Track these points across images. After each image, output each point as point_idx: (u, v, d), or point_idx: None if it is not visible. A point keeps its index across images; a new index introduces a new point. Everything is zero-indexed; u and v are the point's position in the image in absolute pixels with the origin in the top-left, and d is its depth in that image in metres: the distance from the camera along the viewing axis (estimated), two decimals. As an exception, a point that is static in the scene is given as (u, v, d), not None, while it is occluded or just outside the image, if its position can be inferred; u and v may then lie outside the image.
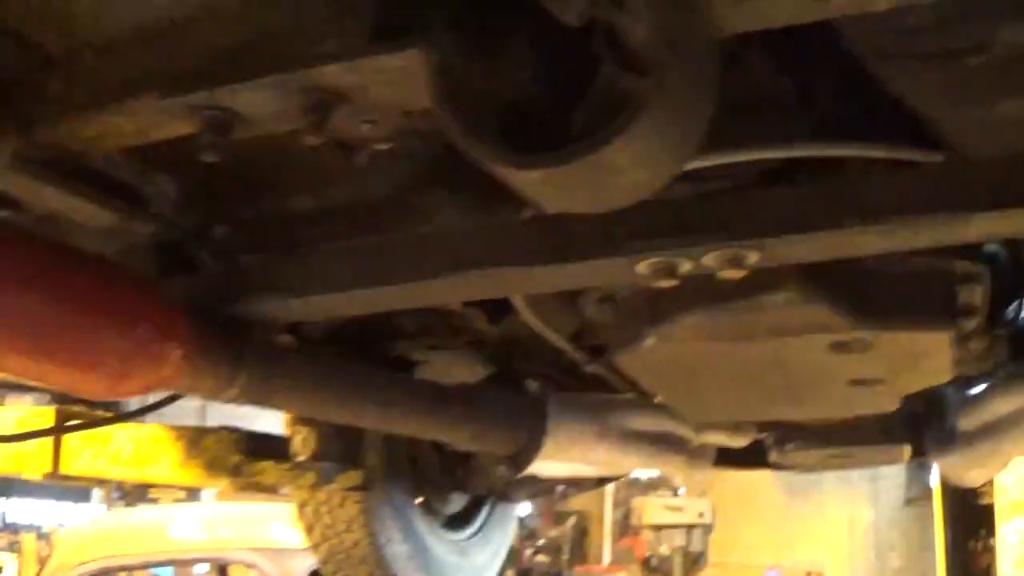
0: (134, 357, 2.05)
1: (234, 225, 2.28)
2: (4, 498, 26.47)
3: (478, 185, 2.07)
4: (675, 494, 16.37)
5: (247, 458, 2.96)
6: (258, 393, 2.33)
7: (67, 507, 23.86)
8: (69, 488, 22.73)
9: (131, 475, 3.28)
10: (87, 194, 2.05)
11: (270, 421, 3.28)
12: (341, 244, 2.21)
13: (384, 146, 1.77)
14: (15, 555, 15.53)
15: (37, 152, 1.90)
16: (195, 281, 2.27)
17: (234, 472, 2.95)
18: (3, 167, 1.81)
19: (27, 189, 1.96)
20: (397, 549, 3.74)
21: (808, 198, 1.81)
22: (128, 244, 2.26)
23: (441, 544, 4.02)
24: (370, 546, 3.69)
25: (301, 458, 3.30)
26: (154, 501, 13.69)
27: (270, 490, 3.28)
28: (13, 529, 23.04)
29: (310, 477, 2.98)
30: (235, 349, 2.23)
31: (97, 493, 20.80)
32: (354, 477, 2.98)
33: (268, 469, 2.96)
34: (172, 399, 2.49)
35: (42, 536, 15.80)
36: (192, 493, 14.72)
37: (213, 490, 13.78)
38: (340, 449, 3.34)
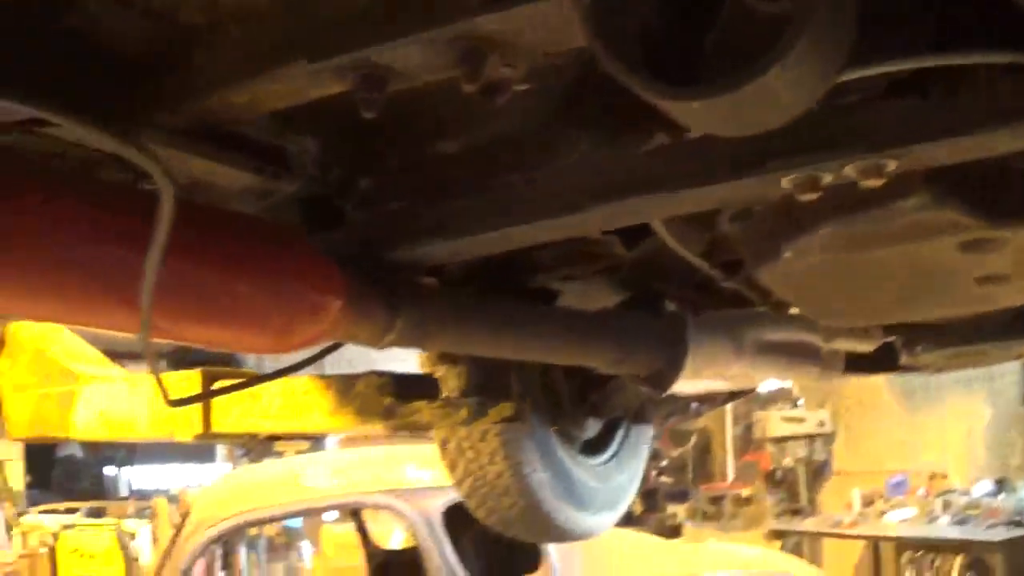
0: (297, 312, 2.12)
1: (378, 175, 2.33)
2: (128, 466, 26.99)
3: (613, 116, 2.13)
4: (795, 405, 16.37)
5: (398, 400, 3.01)
6: (414, 336, 2.40)
7: (191, 469, 24.24)
8: (191, 450, 23.09)
9: (283, 427, 3.34)
10: (230, 159, 2.11)
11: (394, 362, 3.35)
12: (485, 184, 2.27)
13: (523, 86, 1.82)
14: (146, 521, 15.73)
15: (181, 123, 1.96)
16: (343, 233, 2.33)
17: (387, 415, 2.99)
18: (148, 143, 1.86)
19: (172, 160, 2.00)
20: (540, 477, 3.80)
21: (940, 105, 1.85)
22: (271, 203, 2.33)
23: (581, 469, 4.08)
24: (513, 476, 3.75)
25: (451, 395, 3.38)
26: (279, 454, 13.83)
27: (424, 429, 3.33)
28: (140, 495, 23.44)
29: (463, 412, 3.02)
30: (390, 296, 2.29)
31: (221, 451, 21.07)
32: (506, 409, 3.02)
33: (421, 409, 3.00)
34: (333, 348, 2.57)
35: (171, 499, 16.01)
36: (316, 443, 14.89)
37: (336, 438, 13.95)
38: (487, 383, 3.41)
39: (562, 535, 4.15)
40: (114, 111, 1.82)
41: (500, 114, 2.11)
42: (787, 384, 15.62)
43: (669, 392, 3.17)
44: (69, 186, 1.85)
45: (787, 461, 16.22)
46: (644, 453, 4.59)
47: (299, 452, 13.16)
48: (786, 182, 1.92)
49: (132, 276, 1.77)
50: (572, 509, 4.01)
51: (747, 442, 17.26)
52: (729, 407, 16.34)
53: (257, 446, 15.80)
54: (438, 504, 7.38)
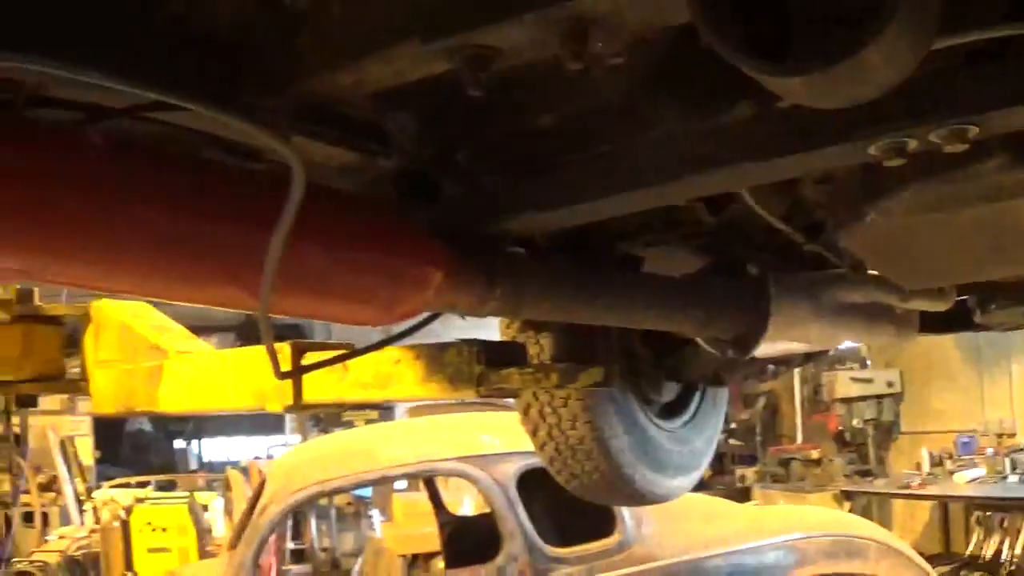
0: (401, 285, 2.20)
1: (475, 149, 2.38)
2: (196, 439, 27.20)
3: (699, 86, 2.19)
4: (863, 366, 16.30)
5: (488, 367, 3.07)
6: (511, 305, 2.47)
7: (259, 441, 24.39)
8: (260, 422, 23.26)
9: (374, 397, 3.40)
10: (330, 137, 2.17)
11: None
12: (579, 156, 2.32)
13: (617, 60, 1.87)
14: (215, 494, 15.86)
15: (284, 105, 2.02)
16: (440, 206, 2.38)
17: (479, 381, 3.06)
18: (250, 124, 1.90)
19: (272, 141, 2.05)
20: (620, 441, 3.86)
21: (1018, 71, 1.90)
22: (368, 179, 2.38)
23: (660, 433, 4.12)
24: (594, 441, 3.81)
25: (540, 362, 3.44)
26: (349, 424, 13.93)
27: (514, 395, 3.39)
28: (209, 468, 23.63)
29: (554, 378, 3.08)
30: (488, 266, 2.37)
31: (289, 423, 21.19)
32: (596, 374, 3.06)
33: (512, 375, 3.06)
34: (431, 319, 2.64)
35: (241, 471, 16.14)
36: (384, 413, 15.01)
37: (405, 406, 14.05)
38: (575, 348, 3.48)
39: (641, 499, 4.21)
40: (218, 95, 1.87)
41: (594, 88, 2.16)
42: (855, 344, 15.56)
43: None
44: (187, 168, 1.92)
45: (855, 422, 16.16)
46: (721, 416, 4.63)
47: (368, 421, 13.26)
48: (873, 149, 1.98)
49: (251, 254, 1.84)
50: (651, 472, 4.07)
51: (815, 403, 17.18)
52: (797, 368, 16.26)
53: (327, 416, 15.94)
54: (512, 470, 7.43)
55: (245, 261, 1.88)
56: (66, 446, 17.23)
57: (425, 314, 2.57)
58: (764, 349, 3.24)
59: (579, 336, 3.48)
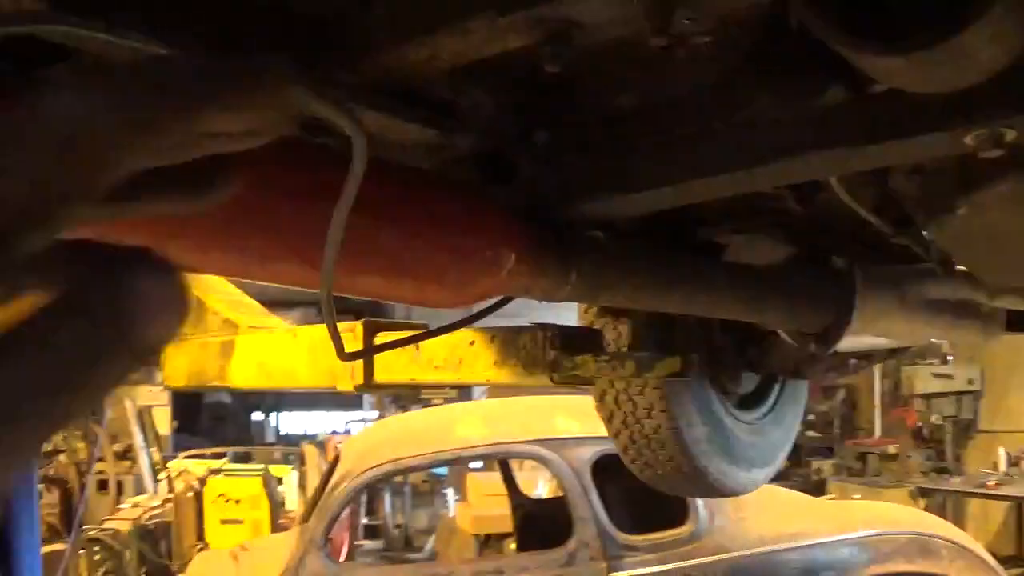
0: (475, 266, 2.14)
1: (554, 129, 2.32)
2: (275, 412, 27.43)
3: (790, 71, 2.11)
4: (943, 362, 16.15)
5: (563, 353, 3.01)
6: (589, 290, 2.41)
7: (338, 415, 24.54)
8: (339, 397, 23.39)
9: (446, 378, 3.36)
10: (404, 114, 2.12)
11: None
12: (662, 139, 2.25)
13: (705, 39, 1.80)
14: (290, 467, 15.95)
15: (358, 80, 1.96)
16: (518, 187, 2.33)
17: (553, 367, 3.01)
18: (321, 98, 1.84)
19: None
20: (697, 432, 3.80)
21: None
22: (443, 157, 2.33)
23: (737, 424, 4.06)
24: (670, 430, 3.75)
25: (617, 349, 3.38)
26: (427, 402, 13.92)
27: (588, 382, 3.33)
28: (286, 441, 23.81)
29: (630, 367, 3.03)
30: (565, 249, 2.30)
31: (368, 399, 21.28)
32: (673, 364, 3.02)
33: (587, 362, 3.00)
34: (504, 302, 2.58)
35: (317, 445, 16.25)
36: (463, 393, 15.03)
37: (483, 387, 14.06)
38: (653, 337, 3.41)
39: (715, 491, 4.15)
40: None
41: (679, 68, 2.09)
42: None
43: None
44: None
45: (934, 418, 16.03)
46: (800, 409, 4.56)
47: (446, 400, 13.26)
48: (970, 139, 1.90)
49: (315, 231, 1.79)
50: (727, 464, 4.00)
51: (895, 398, 17.05)
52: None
53: (405, 394, 15.99)
54: (587, 455, 7.41)
55: (312, 238, 1.82)
56: (143, 416, 17.36)
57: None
58: (847, 343, 3.16)
59: (658, 323, 3.41)
